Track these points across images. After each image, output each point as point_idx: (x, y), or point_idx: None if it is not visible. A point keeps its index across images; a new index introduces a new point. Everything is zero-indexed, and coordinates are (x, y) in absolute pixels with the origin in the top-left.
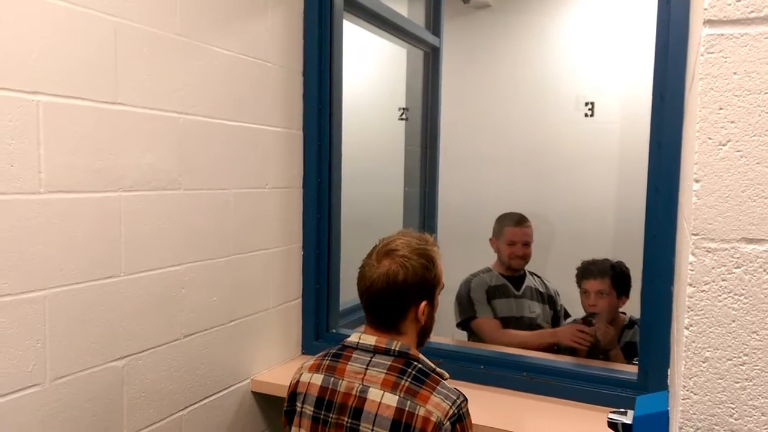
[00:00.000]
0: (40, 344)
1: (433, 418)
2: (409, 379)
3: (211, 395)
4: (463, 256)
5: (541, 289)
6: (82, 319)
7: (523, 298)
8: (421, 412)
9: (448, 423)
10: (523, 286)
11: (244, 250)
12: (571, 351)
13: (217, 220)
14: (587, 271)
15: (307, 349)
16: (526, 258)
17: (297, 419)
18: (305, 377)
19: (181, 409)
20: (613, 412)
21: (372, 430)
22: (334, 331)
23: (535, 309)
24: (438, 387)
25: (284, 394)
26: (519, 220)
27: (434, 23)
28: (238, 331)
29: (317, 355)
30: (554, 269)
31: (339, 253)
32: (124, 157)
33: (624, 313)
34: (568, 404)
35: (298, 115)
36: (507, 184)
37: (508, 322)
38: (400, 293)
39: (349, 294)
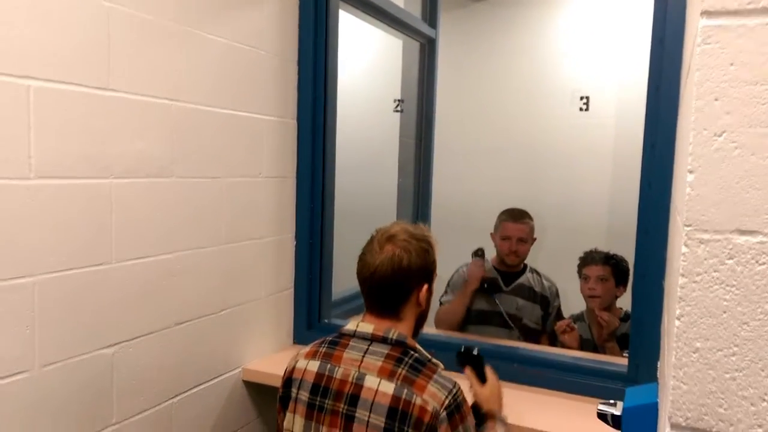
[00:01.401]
0: (28, 330)
1: (430, 408)
2: (406, 368)
3: (202, 384)
4: (455, 248)
5: (536, 288)
6: (71, 306)
7: (509, 294)
8: (418, 401)
9: (444, 413)
10: (515, 283)
11: (237, 239)
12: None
13: (209, 209)
14: (590, 257)
15: (299, 339)
16: (519, 254)
17: (292, 405)
18: (301, 364)
19: (172, 398)
20: (603, 404)
21: (369, 416)
22: (327, 321)
23: (520, 307)
24: (434, 376)
25: (275, 383)
26: (515, 216)
27: (431, 15)
28: (230, 320)
29: (313, 343)
30: (547, 263)
31: (332, 244)
32: (116, 144)
33: (620, 308)
34: (559, 395)
35: (293, 104)
36: (501, 177)
37: (487, 316)
38: (404, 277)
39: (341, 284)
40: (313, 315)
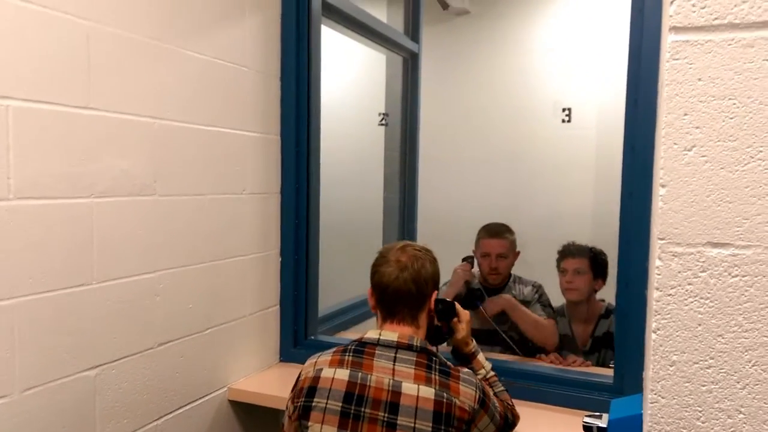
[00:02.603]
0: (8, 354)
1: (467, 407)
2: (438, 374)
3: (187, 404)
4: (442, 260)
5: (518, 298)
6: (52, 328)
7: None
8: (457, 402)
9: (477, 405)
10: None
11: (221, 256)
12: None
13: (193, 226)
14: (567, 250)
15: (285, 356)
16: (499, 270)
17: (319, 415)
18: (327, 372)
19: (156, 419)
20: (588, 416)
21: (414, 423)
22: (313, 337)
23: (504, 320)
24: (461, 376)
25: (262, 402)
26: (492, 232)
27: (413, 29)
28: (215, 338)
29: (332, 351)
30: (530, 273)
31: (317, 259)
32: (97, 163)
33: (603, 300)
34: (545, 408)
35: (276, 120)
36: (486, 189)
37: (478, 335)
38: (424, 284)
39: (328, 300)
40: (299, 332)
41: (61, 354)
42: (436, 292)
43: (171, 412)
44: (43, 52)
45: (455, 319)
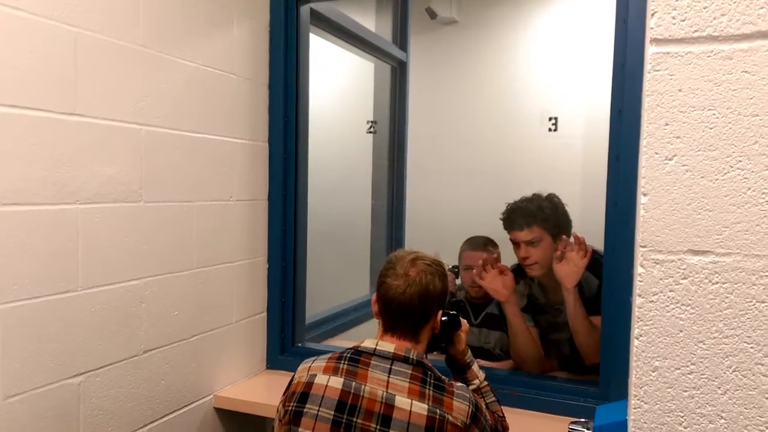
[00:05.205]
0: None
1: (459, 423)
2: (432, 388)
3: (172, 412)
4: None
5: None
6: (37, 335)
7: (479, 327)
8: (450, 418)
9: (470, 420)
10: (482, 314)
11: (208, 263)
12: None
13: (180, 233)
14: (511, 218)
15: (272, 363)
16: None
17: (310, 422)
18: (321, 379)
19: (141, 427)
20: (574, 423)
21: None
22: (300, 345)
23: (490, 339)
24: (455, 391)
25: (248, 410)
26: (474, 244)
27: (401, 38)
28: (201, 346)
29: (326, 357)
30: None
31: (305, 266)
32: (83, 169)
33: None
34: (531, 414)
35: (264, 127)
36: (473, 197)
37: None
38: (430, 300)
39: (315, 307)
40: (286, 339)
41: (46, 361)
42: (440, 311)
43: (156, 420)
44: (30, 59)
45: (458, 330)
